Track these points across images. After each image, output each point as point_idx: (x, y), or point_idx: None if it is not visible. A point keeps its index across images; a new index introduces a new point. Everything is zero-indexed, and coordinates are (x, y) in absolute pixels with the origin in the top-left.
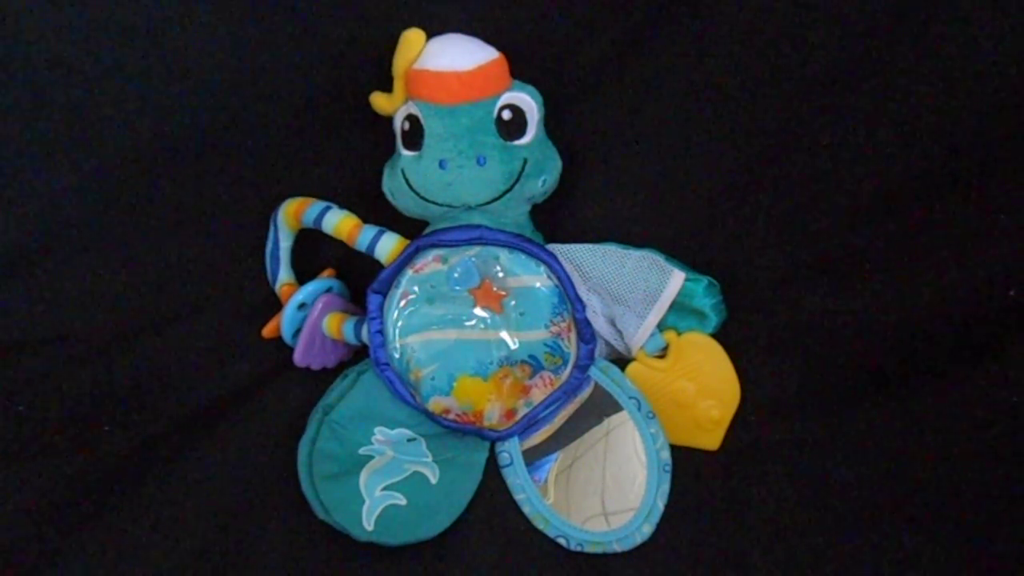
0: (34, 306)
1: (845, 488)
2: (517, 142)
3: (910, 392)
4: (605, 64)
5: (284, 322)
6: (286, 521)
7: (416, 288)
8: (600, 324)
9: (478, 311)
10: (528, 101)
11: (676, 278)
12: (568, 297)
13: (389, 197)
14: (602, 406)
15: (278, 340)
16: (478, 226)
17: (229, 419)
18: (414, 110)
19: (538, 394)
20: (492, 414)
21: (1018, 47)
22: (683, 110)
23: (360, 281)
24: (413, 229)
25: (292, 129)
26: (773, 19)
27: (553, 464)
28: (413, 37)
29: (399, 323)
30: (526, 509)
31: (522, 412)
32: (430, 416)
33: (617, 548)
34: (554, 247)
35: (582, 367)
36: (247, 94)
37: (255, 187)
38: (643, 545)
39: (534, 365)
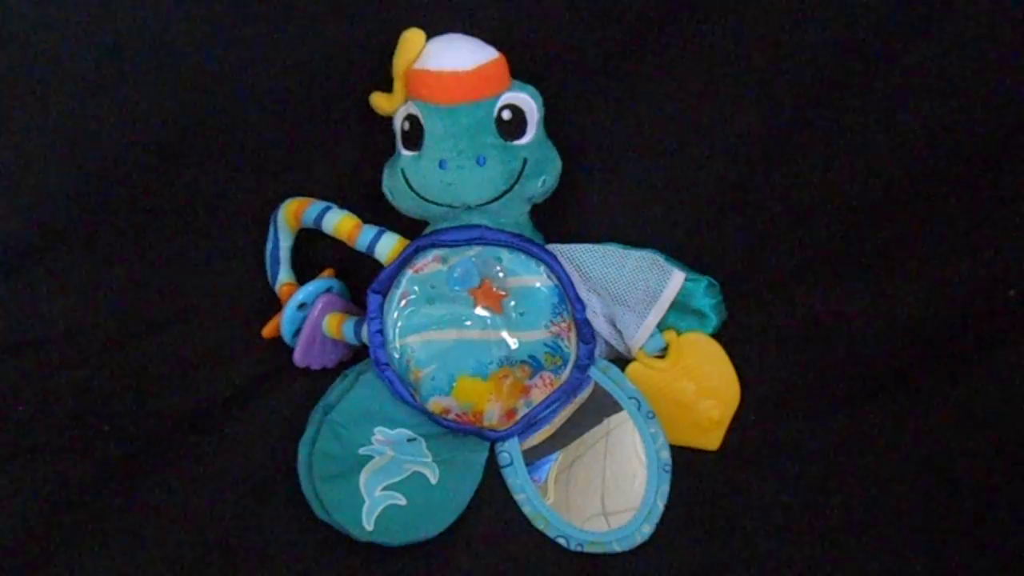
0: (34, 306)
1: (845, 488)
2: (517, 142)
3: (910, 392)
4: (605, 64)
5: (284, 322)
6: (286, 521)
7: (416, 288)
8: (600, 324)
9: (478, 311)
10: (528, 101)
11: (676, 278)
12: (568, 297)
13: (389, 197)
14: (602, 406)
15: (278, 340)
16: (478, 226)
17: (229, 419)
18: (414, 110)
19: (538, 394)
20: (492, 414)
21: (1017, 48)
22: (683, 110)
23: (360, 281)
24: (413, 229)
25: (292, 129)
26: (773, 19)
27: (553, 464)
28: (413, 37)
29: (399, 323)
30: (526, 509)
31: (522, 412)
32: (430, 416)
33: (617, 548)
34: (554, 247)
35: (582, 367)
36: (247, 94)
37: (255, 187)
38: (643, 545)
39: (534, 365)
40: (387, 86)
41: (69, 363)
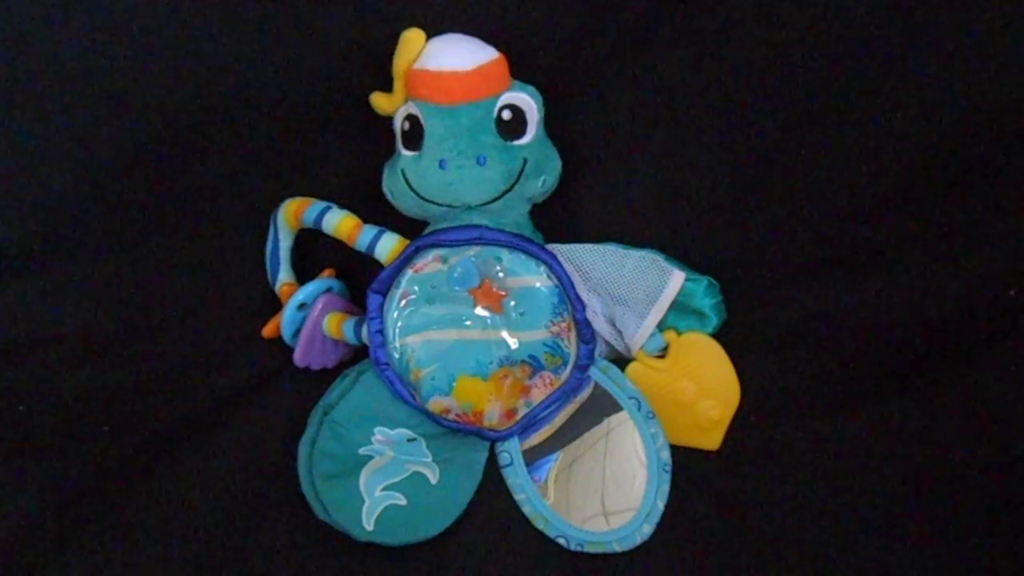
0: (34, 306)
1: (845, 488)
2: (517, 142)
3: (910, 392)
4: (605, 64)
5: (284, 322)
6: (286, 521)
7: (416, 288)
8: (600, 324)
9: (478, 311)
10: (528, 101)
11: (676, 278)
12: (568, 297)
13: (389, 197)
14: (602, 406)
15: (278, 340)
16: (478, 226)
17: (229, 419)
18: (414, 110)
19: (538, 394)
20: (492, 414)
21: (1017, 48)
22: (683, 110)
23: (360, 281)
24: (413, 229)
25: (292, 129)
26: (773, 19)
27: (553, 464)
28: (413, 37)
29: (399, 323)
30: (526, 509)
31: (522, 412)
32: (430, 416)
33: (617, 548)
34: (554, 247)
35: (582, 367)
36: (247, 94)
37: (255, 187)
38: (643, 545)
39: (534, 365)
40: (387, 86)
41: (69, 363)
